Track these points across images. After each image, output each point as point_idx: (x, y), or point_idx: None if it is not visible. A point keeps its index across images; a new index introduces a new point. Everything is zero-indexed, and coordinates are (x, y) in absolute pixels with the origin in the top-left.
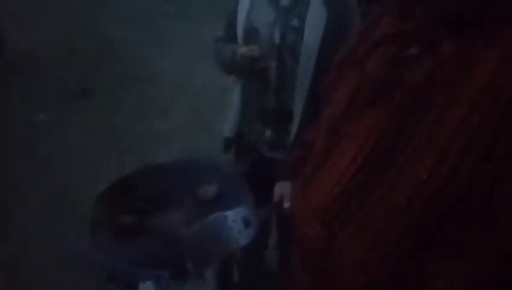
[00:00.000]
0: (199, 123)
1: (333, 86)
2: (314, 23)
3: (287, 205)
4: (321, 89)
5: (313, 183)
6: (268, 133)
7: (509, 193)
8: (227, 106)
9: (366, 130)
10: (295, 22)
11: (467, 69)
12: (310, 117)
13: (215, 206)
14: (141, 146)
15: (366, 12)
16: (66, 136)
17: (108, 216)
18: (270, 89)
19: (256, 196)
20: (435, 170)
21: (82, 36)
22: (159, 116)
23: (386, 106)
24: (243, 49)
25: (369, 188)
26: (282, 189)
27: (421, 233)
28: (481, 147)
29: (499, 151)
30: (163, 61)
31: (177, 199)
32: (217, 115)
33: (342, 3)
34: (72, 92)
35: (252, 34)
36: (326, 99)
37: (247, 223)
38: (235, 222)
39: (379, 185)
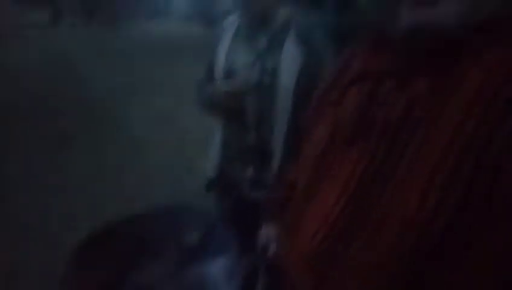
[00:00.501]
0: (184, 163)
1: (312, 125)
2: (290, 62)
3: (272, 249)
4: (301, 128)
5: (298, 226)
6: (249, 171)
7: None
8: (210, 145)
9: (347, 170)
10: (272, 62)
11: (442, 103)
12: (290, 155)
13: (198, 255)
14: (126, 189)
15: (339, 49)
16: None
17: (86, 272)
18: (249, 127)
19: (241, 239)
20: (421, 204)
21: (62, 82)
22: (144, 158)
23: (366, 145)
24: (221, 85)
25: (355, 229)
26: (267, 232)
27: (412, 270)
28: (465, 177)
29: (481, 181)
30: (149, 102)
31: (159, 248)
32: (202, 154)
33: (315, 42)
34: (53, 141)
35: (230, 74)
36: (307, 138)
37: (231, 274)
38: (219, 273)
39: (365, 225)
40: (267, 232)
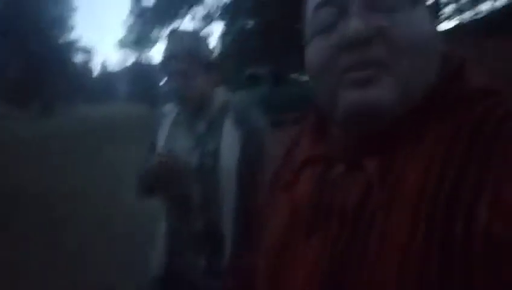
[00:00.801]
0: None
1: (267, 211)
2: (230, 144)
3: None
4: (254, 213)
5: None
6: (201, 260)
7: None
8: (154, 240)
9: (310, 262)
10: (212, 146)
11: (396, 180)
12: (242, 240)
13: None
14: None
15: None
16: None
17: None
18: (196, 212)
19: None
20: (400, 278)
21: None
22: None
23: (326, 233)
24: (160, 156)
25: None
26: None
27: None
28: (439, 240)
29: (455, 237)
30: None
31: None
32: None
33: (253, 122)
34: None
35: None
36: (262, 225)
37: None
38: None
39: None
40: None
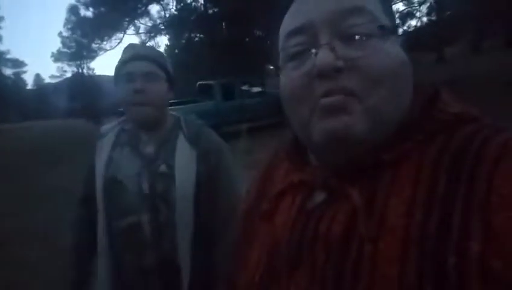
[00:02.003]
0: None
1: (244, 245)
2: (185, 165)
3: None
4: (227, 244)
5: None
6: None
7: None
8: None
9: None
10: (163, 168)
11: (381, 208)
12: (202, 270)
13: None
14: None
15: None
16: None
17: None
18: (147, 245)
19: None
20: None
21: None
22: None
23: (312, 266)
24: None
25: None
26: None
27: None
28: (433, 267)
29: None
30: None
31: None
32: None
33: (209, 140)
34: None
35: (115, 187)
36: (238, 260)
37: None
38: None
39: None
40: None
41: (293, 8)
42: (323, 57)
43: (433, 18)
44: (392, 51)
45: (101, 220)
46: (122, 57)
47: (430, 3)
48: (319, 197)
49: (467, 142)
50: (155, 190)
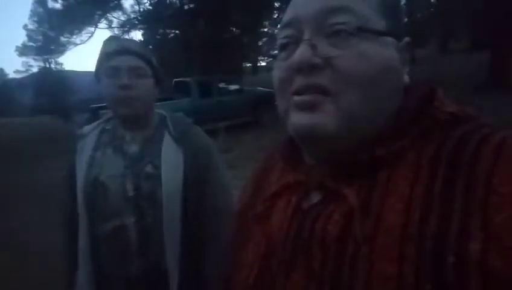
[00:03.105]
0: None
1: (238, 245)
2: (172, 165)
3: None
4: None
5: None
6: None
7: None
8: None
9: None
10: (149, 168)
11: (378, 209)
12: (190, 273)
13: None
14: None
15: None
16: None
17: None
18: (132, 250)
19: None
20: None
21: None
22: None
23: (307, 267)
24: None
25: None
26: None
27: None
28: (429, 270)
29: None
30: None
31: None
32: None
33: (196, 138)
34: None
35: (98, 190)
36: (232, 261)
37: None
38: None
39: None
40: None
41: (292, 1)
42: (300, 52)
43: (404, 21)
44: (375, 54)
45: (82, 226)
46: (104, 50)
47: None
48: (315, 197)
49: (464, 141)
50: (140, 192)
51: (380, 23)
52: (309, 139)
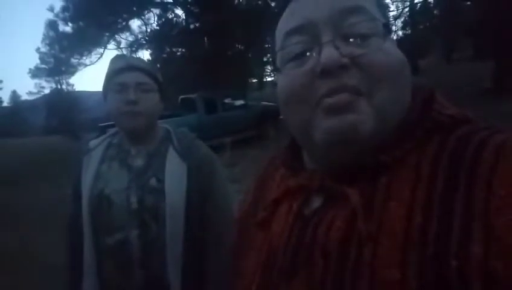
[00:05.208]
0: None
1: (240, 254)
2: (175, 179)
3: None
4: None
5: None
6: None
7: None
8: None
9: None
10: (153, 182)
11: (381, 211)
12: (193, 288)
13: None
14: None
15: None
16: None
17: None
18: (134, 263)
19: None
20: None
21: None
22: None
23: (311, 273)
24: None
25: None
26: None
27: None
28: (432, 271)
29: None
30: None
31: None
32: None
33: (200, 153)
34: None
35: (103, 203)
36: (234, 269)
37: None
38: None
39: None
40: None
41: (291, 8)
42: (328, 54)
43: (408, 32)
44: (392, 50)
45: (87, 238)
46: (111, 67)
47: (405, 17)
48: (316, 202)
49: (464, 143)
50: (144, 205)
51: (383, 21)
52: (344, 141)
